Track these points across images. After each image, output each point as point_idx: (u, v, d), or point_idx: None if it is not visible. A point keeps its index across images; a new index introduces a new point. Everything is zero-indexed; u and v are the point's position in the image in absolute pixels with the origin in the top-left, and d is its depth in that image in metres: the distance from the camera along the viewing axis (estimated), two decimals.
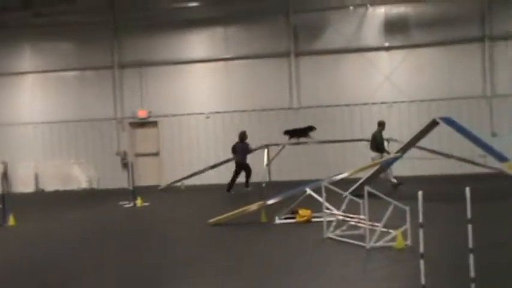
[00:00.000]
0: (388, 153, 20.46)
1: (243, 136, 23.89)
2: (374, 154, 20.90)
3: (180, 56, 28.92)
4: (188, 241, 13.02)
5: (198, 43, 28.99)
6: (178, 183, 26.13)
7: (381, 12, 27.24)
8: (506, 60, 26.09)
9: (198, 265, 10.25)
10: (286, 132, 24.85)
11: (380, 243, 10.63)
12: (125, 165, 27.39)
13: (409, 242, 10.44)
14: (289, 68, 28.01)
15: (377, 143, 21.01)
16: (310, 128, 24.36)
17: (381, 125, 21.34)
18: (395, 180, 20.62)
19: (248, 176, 23.47)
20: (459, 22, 26.43)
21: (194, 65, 28.92)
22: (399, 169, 23.87)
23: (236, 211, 14.76)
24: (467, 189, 7.02)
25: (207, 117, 28.71)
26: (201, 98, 28.82)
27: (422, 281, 6.66)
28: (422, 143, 20.33)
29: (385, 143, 21.84)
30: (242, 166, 23.48)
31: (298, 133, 24.66)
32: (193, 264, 10.31)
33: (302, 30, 27.93)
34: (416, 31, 26.98)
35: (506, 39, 26.01)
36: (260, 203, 14.99)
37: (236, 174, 23.42)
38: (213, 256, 11.00)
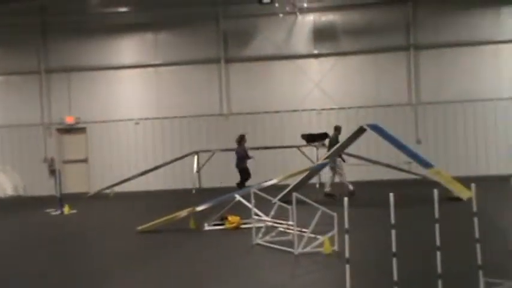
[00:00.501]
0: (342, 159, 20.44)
1: (239, 140, 22.89)
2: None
3: (109, 62, 28.60)
4: (114, 249, 12.85)
5: (128, 49, 28.74)
6: (107, 190, 25.81)
7: (310, 20, 27.59)
8: (430, 68, 26.77)
9: (123, 273, 10.15)
10: (303, 137, 24.26)
11: (308, 249, 10.76)
12: (52, 172, 26.90)
13: (336, 248, 10.60)
14: (219, 74, 28.06)
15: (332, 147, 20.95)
16: (326, 135, 24.26)
17: (337, 129, 21.19)
18: (328, 190, 20.44)
19: (242, 180, 22.46)
20: (385, 31, 27.01)
21: (124, 70, 28.65)
22: (328, 175, 24.25)
23: (165, 218, 14.68)
24: (391, 195, 7.19)
25: (137, 124, 28.46)
26: (131, 104, 28.56)
27: (348, 285, 6.78)
28: (350, 149, 20.69)
29: None
30: (239, 170, 22.58)
31: (315, 137, 24.23)
32: (118, 273, 10.20)
33: (232, 37, 28.04)
34: (345, 39, 27.44)
35: (430, 48, 26.70)
36: (189, 209, 14.94)
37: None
38: (139, 263, 10.91)
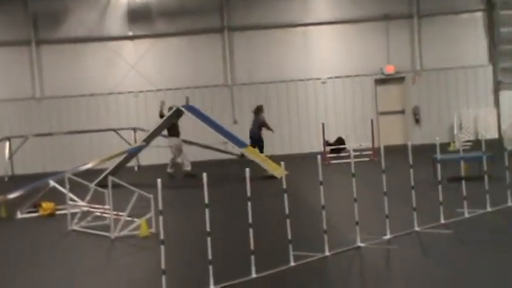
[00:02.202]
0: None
1: (256, 111, 21.06)
2: None
3: None
4: None
5: None
6: None
7: (123, 1, 27.15)
8: (244, 50, 27.38)
9: None
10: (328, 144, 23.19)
11: (125, 233, 10.71)
12: None
13: (153, 230, 10.62)
14: (30, 57, 26.91)
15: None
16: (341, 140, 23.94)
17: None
18: (171, 170, 20.33)
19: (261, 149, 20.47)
20: (200, 12, 27.23)
21: None
22: (146, 158, 24.19)
23: None
24: (204, 175, 7.32)
25: None
26: None
27: (163, 266, 6.84)
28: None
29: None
30: (256, 140, 20.66)
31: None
32: None
33: (42, 18, 26.97)
34: (160, 21, 27.32)
35: (243, 29, 27.31)
36: (0, 197, 14.31)
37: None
38: None
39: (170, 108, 19.82)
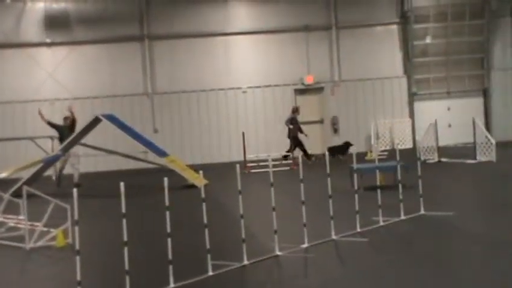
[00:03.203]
0: None
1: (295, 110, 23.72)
2: None
3: None
4: None
5: None
6: None
7: (40, 7, 26.63)
8: (165, 58, 27.28)
9: None
10: (329, 149, 23.00)
11: (40, 243, 10.46)
12: None
13: (70, 240, 10.42)
14: None
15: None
16: (348, 144, 23.59)
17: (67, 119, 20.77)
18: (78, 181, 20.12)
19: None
20: (120, 21, 26.99)
21: None
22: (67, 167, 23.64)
23: None
24: (122, 185, 7.24)
25: None
26: None
27: (78, 277, 6.72)
28: (87, 140, 20.43)
29: None
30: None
31: (338, 150, 23.48)
32: None
33: None
34: (79, 28, 26.93)
35: (164, 38, 27.20)
36: None
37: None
38: None
39: (65, 119, 19.72)
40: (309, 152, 22.91)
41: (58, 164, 20.58)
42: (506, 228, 10.18)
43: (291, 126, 22.88)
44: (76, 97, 26.56)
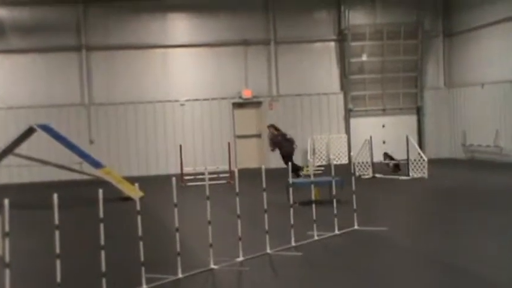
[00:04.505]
0: None
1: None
2: None
3: None
4: None
5: None
6: None
7: None
8: (102, 69, 27.02)
9: None
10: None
11: None
12: None
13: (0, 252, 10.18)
14: None
15: None
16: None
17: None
18: None
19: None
20: (57, 30, 26.58)
21: None
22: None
23: None
24: (55, 196, 7.15)
25: None
26: None
27: None
28: (21, 150, 20.07)
29: None
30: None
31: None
32: None
33: None
34: (13, 36, 26.41)
35: (101, 49, 26.96)
36: None
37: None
38: None
39: None
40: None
41: None
42: (436, 242, 10.46)
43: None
44: (10, 106, 26.02)
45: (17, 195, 19.03)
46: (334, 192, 11.93)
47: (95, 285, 7.67)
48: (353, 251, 10.08)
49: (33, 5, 26.50)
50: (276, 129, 22.42)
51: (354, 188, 11.83)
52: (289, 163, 19.95)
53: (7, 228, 6.87)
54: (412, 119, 29.12)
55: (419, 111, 29.06)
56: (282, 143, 21.89)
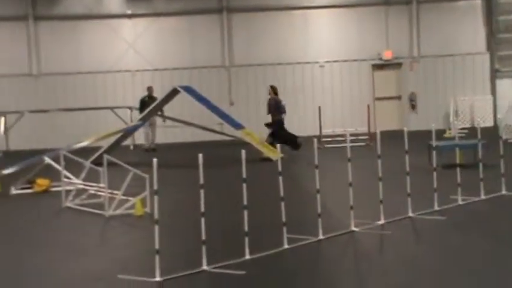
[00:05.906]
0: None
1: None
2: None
3: None
4: None
5: None
6: None
7: None
8: (242, 31, 27.31)
9: None
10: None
11: (119, 211, 10.70)
12: None
13: (148, 209, 10.62)
14: (27, 32, 26.81)
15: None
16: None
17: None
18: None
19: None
20: None
21: None
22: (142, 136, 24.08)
23: None
24: (200, 156, 7.32)
25: None
26: None
27: (157, 245, 6.85)
28: (165, 111, 20.77)
29: None
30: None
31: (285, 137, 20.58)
32: None
33: None
34: (159, 0, 27.23)
35: (242, 11, 27.22)
36: None
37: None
38: None
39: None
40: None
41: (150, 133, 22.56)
42: None
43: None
44: (156, 68, 26.95)
45: (162, 155, 19.75)
46: (480, 156, 11.45)
47: (237, 244, 7.81)
48: (501, 217, 9.67)
49: None
50: (275, 92, 20.25)
51: (501, 151, 11.31)
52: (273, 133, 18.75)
53: (156, 186, 7.12)
54: None
55: None
56: (270, 109, 19.93)
